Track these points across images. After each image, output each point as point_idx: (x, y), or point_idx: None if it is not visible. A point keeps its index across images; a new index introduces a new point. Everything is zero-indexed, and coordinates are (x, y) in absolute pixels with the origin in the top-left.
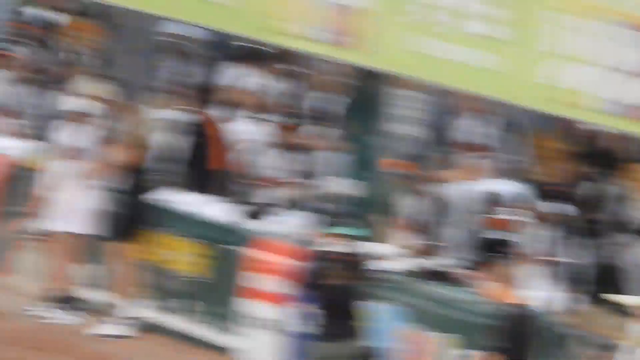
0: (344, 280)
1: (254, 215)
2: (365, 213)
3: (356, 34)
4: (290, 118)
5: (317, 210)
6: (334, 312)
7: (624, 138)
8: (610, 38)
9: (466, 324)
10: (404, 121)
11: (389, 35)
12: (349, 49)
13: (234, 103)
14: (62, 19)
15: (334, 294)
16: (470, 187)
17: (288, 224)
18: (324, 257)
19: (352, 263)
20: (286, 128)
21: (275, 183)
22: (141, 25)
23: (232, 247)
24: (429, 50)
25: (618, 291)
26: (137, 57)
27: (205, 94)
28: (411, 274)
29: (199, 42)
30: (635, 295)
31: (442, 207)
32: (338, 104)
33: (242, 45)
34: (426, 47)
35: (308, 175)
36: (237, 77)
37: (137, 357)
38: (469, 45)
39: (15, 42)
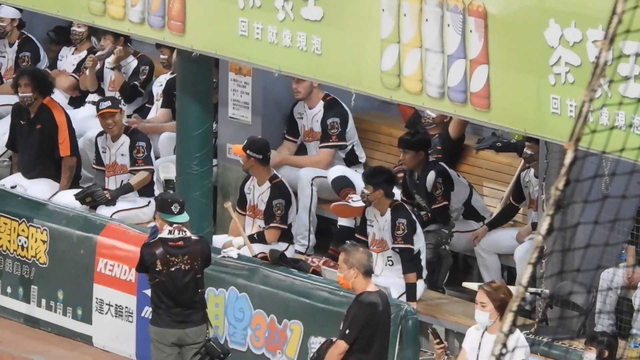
0: (186, 266)
1: (102, 202)
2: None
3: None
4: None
5: (163, 197)
6: (177, 299)
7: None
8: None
9: (314, 311)
10: (235, 105)
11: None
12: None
13: (77, 88)
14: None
15: (176, 280)
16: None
17: (134, 210)
18: (164, 243)
19: (191, 249)
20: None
21: (121, 169)
22: None
23: (76, 232)
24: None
25: (467, 278)
26: None
27: (45, 79)
28: (256, 259)
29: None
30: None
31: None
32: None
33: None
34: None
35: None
36: (76, 61)
37: None
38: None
39: None
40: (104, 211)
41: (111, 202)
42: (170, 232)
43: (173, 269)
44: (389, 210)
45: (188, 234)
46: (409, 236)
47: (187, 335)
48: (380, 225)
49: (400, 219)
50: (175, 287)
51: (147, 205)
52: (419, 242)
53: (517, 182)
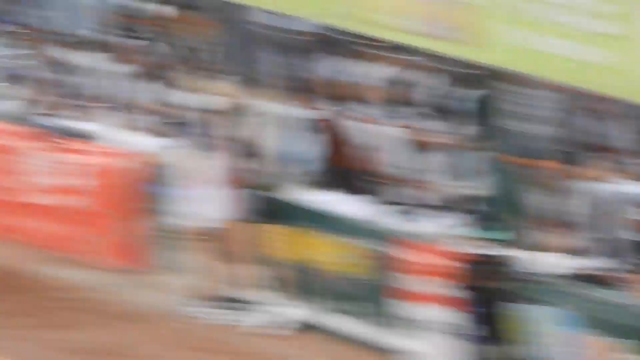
0: (495, 283)
1: (403, 216)
2: (503, 213)
3: (465, 29)
4: (419, 114)
5: (461, 212)
6: (486, 316)
7: None
8: None
9: (630, 328)
10: (528, 119)
11: (497, 29)
12: (457, 43)
13: (360, 99)
14: (170, 11)
15: (486, 297)
16: (613, 187)
17: (436, 225)
18: (473, 259)
19: (501, 265)
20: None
21: (415, 183)
22: (243, 17)
23: (382, 247)
24: (537, 45)
25: None
26: (249, 51)
27: (324, 89)
28: (567, 276)
29: (312, 35)
30: None
31: (593, 206)
32: (465, 100)
33: (355, 40)
34: (534, 42)
35: (443, 175)
36: (357, 72)
37: (292, 355)
38: (577, 40)
39: (128, 36)
40: (409, 225)
41: (420, 216)
42: (481, 249)
43: (484, 285)
44: None
45: (496, 250)
46: None
47: None
48: None
49: None
50: None
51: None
52: None
53: None
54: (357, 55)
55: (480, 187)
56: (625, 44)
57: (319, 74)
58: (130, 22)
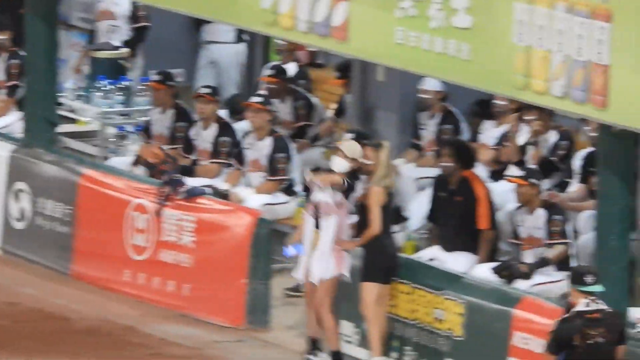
0: (605, 340)
1: (518, 276)
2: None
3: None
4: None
5: (577, 269)
6: None
7: None
8: None
9: None
10: None
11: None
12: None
13: (499, 161)
14: (309, 72)
15: (592, 355)
16: None
17: (550, 284)
18: (580, 316)
19: (611, 322)
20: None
21: (537, 243)
22: (393, 79)
23: (497, 308)
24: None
25: None
26: (391, 112)
27: (468, 151)
28: None
29: (456, 99)
30: None
31: None
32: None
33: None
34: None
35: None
36: (499, 134)
37: None
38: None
39: (271, 97)
40: (520, 285)
41: (527, 275)
42: (587, 304)
43: (591, 342)
44: None
45: (603, 306)
46: None
47: None
48: None
49: None
50: None
51: (563, 280)
52: None
53: None
54: (496, 118)
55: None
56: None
57: (460, 135)
58: (274, 84)
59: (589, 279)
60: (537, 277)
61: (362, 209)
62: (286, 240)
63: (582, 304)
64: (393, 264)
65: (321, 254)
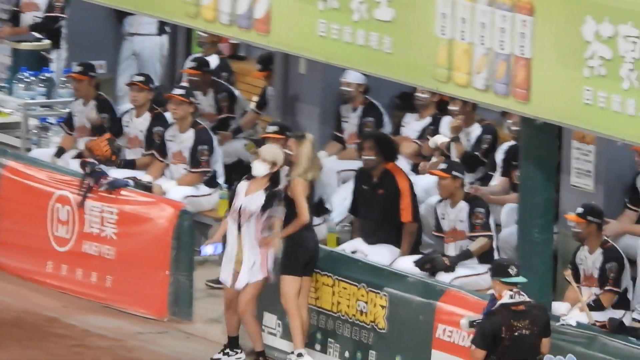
0: (530, 332)
1: (441, 269)
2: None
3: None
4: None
5: (499, 261)
6: None
7: None
8: None
9: None
10: (578, 173)
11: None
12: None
13: (420, 154)
14: (232, 64)
15: (519, 347)
16: None
17: (472, 277)
18: (506, 308)
19: (536, 314)
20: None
21: (460, 236)
22: (315, 72)
23: (415, 298)
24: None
25: None
26: (313, 105)
27: (389, 144)
28: (595, 327)
29: (378, 91)
30: None
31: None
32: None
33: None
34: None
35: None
36: (420, 127)
37: None
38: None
39: (193, 89)
40: (443, 277)
41: (450, 268)
42: (511, 296)
43: (516, 334)
44: None
45: (527, 298)
46: None
47: None
48: None
49: None
50: (516, 353)
51: (487, 272)
52: None
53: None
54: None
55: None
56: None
57: (382, 128)
58: (194, 76)
59: (512, 270)
60: (460, 270)
61: (286, 201)
62: (204, 240)
63: (506, 296)
64: (314, 256)
65: (246, 260)
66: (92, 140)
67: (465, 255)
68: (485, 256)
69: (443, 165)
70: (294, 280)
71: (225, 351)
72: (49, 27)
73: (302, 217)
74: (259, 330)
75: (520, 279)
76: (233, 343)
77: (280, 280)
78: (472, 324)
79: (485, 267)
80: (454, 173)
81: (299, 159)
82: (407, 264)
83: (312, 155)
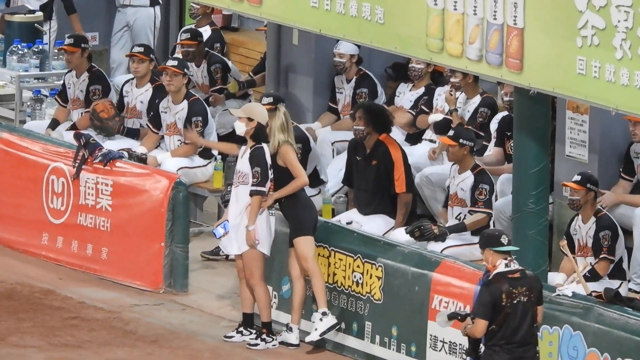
0: (527, 298)
1: (430, 237)
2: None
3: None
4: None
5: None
6: (515, 333)
7: None
8: None
9: None
10: (572, 143)
11: None
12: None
13: (414, 125)
14: (223, 36)
15: (517, 314)
16: None
17: (463, 246)
18: (504, 276)
19: (531, 281)
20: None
21: (460, 203)
22: (308, 43)
23: (411, 269)
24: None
25: None
26: (306, 76)
27: (382, 115)
28: (590, 297)
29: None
30: None
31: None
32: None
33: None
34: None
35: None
36: (414, 98)
37: None
38: None
39: (187, 61)
40: (433, 247)
41: (440, 237)
42: (506, 265)
43: (515, 302)
44: None
45: (520, 266)
46: None
47: None
48: None
49: None
50: (515, 320)
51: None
52: None
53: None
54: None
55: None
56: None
57: (375, 99)
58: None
59: (504, 239)
60: (451, 240)
61: (278, 170)
62: (199, 212)
63: (501, 265)
64: (316, 216)
65: (232, 219)
66: (97, 101)
67: (458, 227)
68: (480, 230)
69: (451, 132)
70: (309, 240)
71: (239, 329)
72: (51, 3)
73: (301, 177)
74: (267, 299)
75: (514, 248)
76: (247, 321)
77: (295, 243)
78: (451, 317)
79: (476, 239)
80: (462, 141)
81: (272, 128)
82: (402, 234)
83: (285, 122)
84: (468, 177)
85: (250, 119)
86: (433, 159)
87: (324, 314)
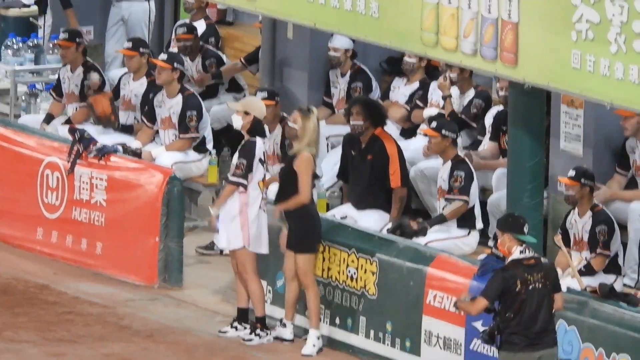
0: (542, 285)
1: (410, 234)
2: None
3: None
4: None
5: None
6: (534, 319)
7: None
8: None
9: None
10: (567, 138)
11: None
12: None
13: (409, 119)
14: (218, 30)
15: (533, 299)
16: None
17: (446, 240)
18: (519, 263)
19: (546, 269)
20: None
21: (443, 194)
22: (303, 37)
23: (406, 264)
24: None
25: None
26: (301, 70)
27: (377, 109)
28: (585, 292)
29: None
30: None
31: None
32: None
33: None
34: None
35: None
36: (408, 92)
37: None
38: None
39: (183, 55)
40: (419, 241)
41: (420, 232)
42: (521, 252)
43: (530, 288)
44: None
45: (535, 254)
46: None
47: (540, 358)
48: None
49: None
50: (532, 306)
51: (465, 236)
52: None
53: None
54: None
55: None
56: None
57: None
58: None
59: (526, 228)
60: (433, 234)
61: (287, 173)
62: (193, 206)
63: (517, 252)
64: (320, 232)
65: (232, 219)
66: (95, 96)
67: (438, 219)
68: (463, 221)
69: (433, 124)
70: (312, 258)
71: (233, 324)
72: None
73: (302, 195)
74: (260, 294)
75: (533, 240)
76: (242, 316)
77: (296, 257)
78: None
79: (463, 231)
80: (444, 132)
81: (304, 132)
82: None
83: (316, 130)
84: (447, 167)
85: (247, 113)
86: (428, 155)
87: (318, 337)
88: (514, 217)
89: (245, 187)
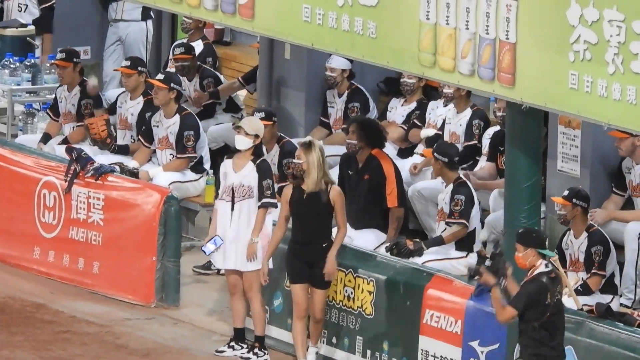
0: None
1: (407, 253)
2: None
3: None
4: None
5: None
6: (563, 332)
7: None
8: None
9: None
10: (564, 158)
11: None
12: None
13: (406, 139)
14: (215, 50)
15: (561, 312)
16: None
17: (443, 261)
18: (548, 275)
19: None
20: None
21: (444, 217)
22: (300, 57)
23: (408, 285)
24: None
25: None
26: (298, 90)
27: (375, 129)
28: (582, 312)
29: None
30: None
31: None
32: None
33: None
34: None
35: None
36: (406, 112)
37: None
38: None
39: (180, 75)
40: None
41: (416, 252)
42: (546, 265)
43: (555, 300)
44: None
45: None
46: None
47: None
48: None
49: None
50: (561, 319)
51: (462, 257)
52: None
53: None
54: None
55: None
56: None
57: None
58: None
59: (547, 243)
60: (430, 254)
61: (320, 207)
62: (190, 226)
63: (542, 265)
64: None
65: (242, 238)
66: (91, 118)
67: (436, 241)
68: (462, 243)
69: (431, 147)
70: (327, 293)
71: (230, 344)
72: (48, 20)
73: (344, 227)
74: (263, 313)
75: (552, 253)
76: (239, 336)
77: (318, 293)
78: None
79: (461, 253)
80: (436, 155)
81: (310, 166)
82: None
83: (322, 158)
84: (449, 190)
85: (257, 136)
86: (414, 173)
87: (317, 353)
88: (537, 232)
89: (276, 206)
